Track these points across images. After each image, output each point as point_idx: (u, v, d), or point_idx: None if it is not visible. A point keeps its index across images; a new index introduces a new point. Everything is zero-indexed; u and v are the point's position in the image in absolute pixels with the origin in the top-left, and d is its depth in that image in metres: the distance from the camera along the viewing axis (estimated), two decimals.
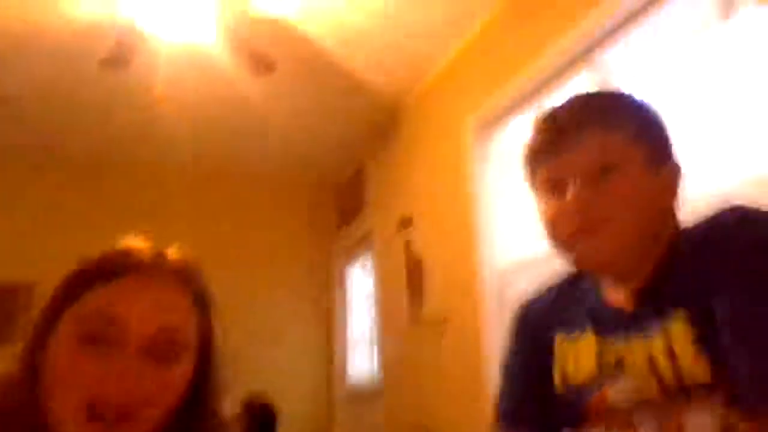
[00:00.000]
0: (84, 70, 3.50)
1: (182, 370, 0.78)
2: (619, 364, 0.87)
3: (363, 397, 4.68)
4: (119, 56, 3.03)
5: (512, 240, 2.97)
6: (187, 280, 0.81)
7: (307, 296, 5.36)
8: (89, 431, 0.71)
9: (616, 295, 0.92)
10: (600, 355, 0.90)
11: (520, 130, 2.93)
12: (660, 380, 0.82)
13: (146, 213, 4.36)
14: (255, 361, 4.61)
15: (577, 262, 0.92)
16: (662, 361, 0.82)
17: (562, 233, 0.90)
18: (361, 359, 4.82)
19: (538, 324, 1.02)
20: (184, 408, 0.79)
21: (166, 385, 0.76)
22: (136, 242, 0.82)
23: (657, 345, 0.83)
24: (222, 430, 0.86)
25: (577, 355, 0.94)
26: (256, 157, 5.05)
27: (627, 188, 0.86)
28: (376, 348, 4.48)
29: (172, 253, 0.82)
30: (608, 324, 0.91)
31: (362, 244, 4.90)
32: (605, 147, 0.87)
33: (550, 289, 1.06)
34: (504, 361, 1.07)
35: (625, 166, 0.87)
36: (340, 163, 5.19)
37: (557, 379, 0.96)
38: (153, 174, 4.94)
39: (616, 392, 0.87)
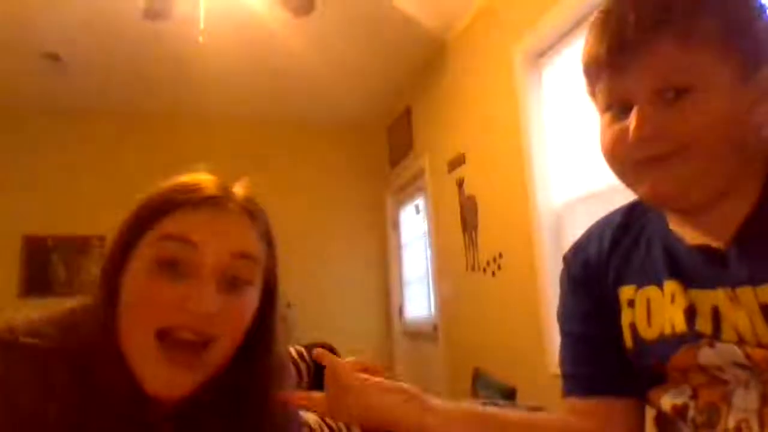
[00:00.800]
0: (126, 22, 3.52)
1: (250, 300, 0.79)
2: (716, 316, 0.72)
3: (420, 336, 4.75)
4: (159, 7, 3.02)
5: (568, 175, 2.87)
6: (253, 215, 0.82)
7: (364, 238, 5.42)
8: (158, 356, 0.72)
9: (704, 235, 0.76)
10: (690, 307, 0.75)
11: (573, 60, 2.79)
12: None
13: (203, 163, 4.42)
14: (316, 302, 4.72)
15: (646, 195, 0.76)
16: None
17: (623, 162, 0.76)
18: (419, 299, 4.86)
19: (596, 275, 0.88)
20: (246, 346, 0.80)
21: (237, 313, 0.77)
22: (205, 176, 0.83)
23: None
24: (283, 370, 0.89)
25: (655, 308, 0.79)
26: (304, 102, 5.02)
27: (709, 110, 0.69)
28: (432, 288, 4.51)
29: (239, 188, 0.84)
30: (696, 269, 0.76)
31: (414, 184, 4.87)
32: (682, 64, 0.69)
33: (602, 232, 0.91)
34: (560, 318, 0.94)
35: (707, 83, 0.70)
36: (388, 103, 5.12)
37: (627, 336, 0.83)
38: (209, 124, 5.00)
39: (710, 348, 0.73)
